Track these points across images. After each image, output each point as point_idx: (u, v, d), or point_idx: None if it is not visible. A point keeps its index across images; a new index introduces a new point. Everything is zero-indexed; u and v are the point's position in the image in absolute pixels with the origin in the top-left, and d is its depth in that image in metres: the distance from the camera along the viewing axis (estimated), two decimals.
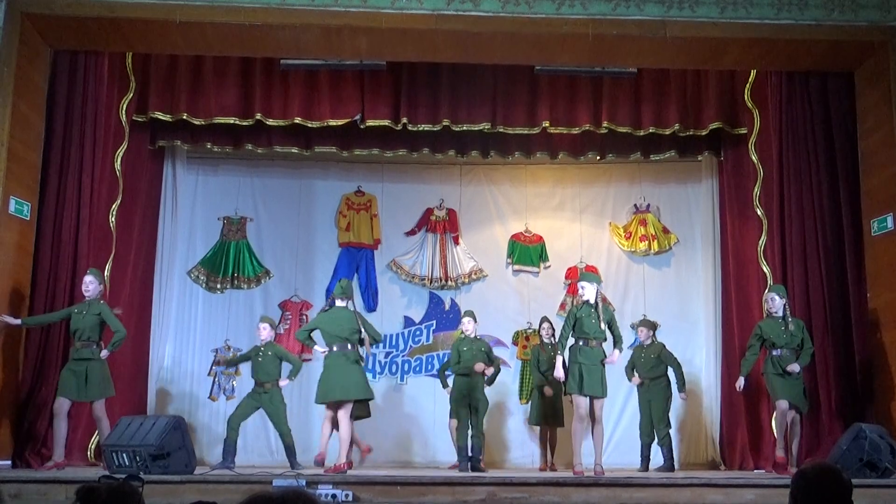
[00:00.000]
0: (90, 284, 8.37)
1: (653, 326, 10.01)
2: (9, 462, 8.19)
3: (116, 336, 8.35)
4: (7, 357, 8.29)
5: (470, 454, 9.08)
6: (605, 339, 8.25)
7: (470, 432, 9.13)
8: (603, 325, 8.14)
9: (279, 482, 6.69)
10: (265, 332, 9.10)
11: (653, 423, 9.47)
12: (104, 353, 8.30)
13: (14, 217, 8.35)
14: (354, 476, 7.12)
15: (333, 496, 6.45)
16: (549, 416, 9.75)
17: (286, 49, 9.11)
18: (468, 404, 9.18)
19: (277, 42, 8.85)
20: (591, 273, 9.87)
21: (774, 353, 8.47)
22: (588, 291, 8.25)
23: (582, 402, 8.09)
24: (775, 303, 8.59)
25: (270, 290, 11.21)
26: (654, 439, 9.49)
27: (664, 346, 9.81)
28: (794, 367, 8.35)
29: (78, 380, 8.13)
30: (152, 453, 7.17)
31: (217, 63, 9.75)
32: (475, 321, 9.58)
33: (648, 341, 9.79)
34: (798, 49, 8.83)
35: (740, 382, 8.74)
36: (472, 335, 9.47)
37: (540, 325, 10.12)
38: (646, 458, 9.52)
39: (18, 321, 8.18)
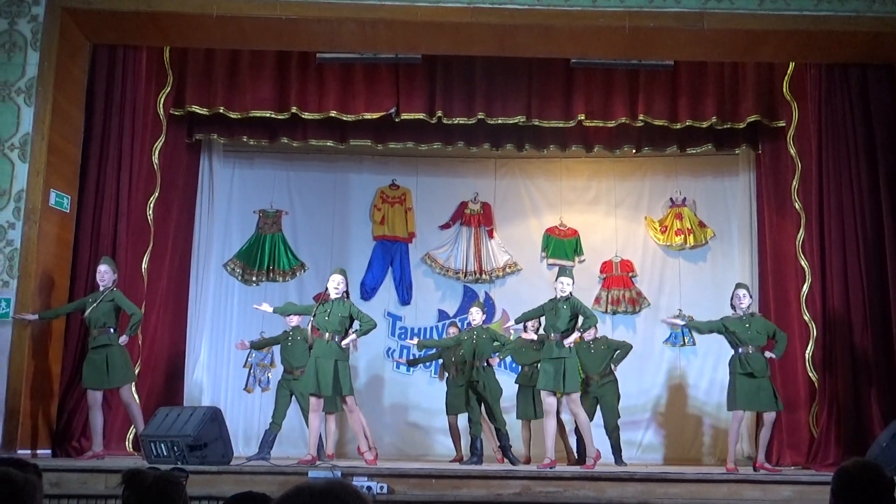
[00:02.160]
0: (105, 274, 8.34)
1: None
2: (49, 451, 8.31)
3: (133, 318, 8.29)
4: (48, 348, 8.40)
5: (501, 446, 9.11)
6: (569, 333, 8.13)
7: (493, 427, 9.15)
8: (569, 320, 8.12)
9: (315, 473, 6.73)
10: (294, 318, 9.17)
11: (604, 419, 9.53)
12: (123, 339, 8.25)
13: (54, 209, 8.46)
14: (389, 469, 7.14)
15: (368, 488, 6.48)
16: (530, 411, 9.67)
17: (322, 43, 9.15)
18: (478, 395, 9.07)
19: (313, 36, 8.89)
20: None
21: (740, 350, 8.25)
22: (568, 287, 8.18)
23: (545, 397, 8.15)
24: (745, 300, 8.42)
25: (305, 283, 11.27)
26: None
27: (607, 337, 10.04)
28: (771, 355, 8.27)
29: (99, 367, 8.12)
30: (190, 444, 7.24)
31: (253, 57, 9.80)
32: (483, 311, 9.50)
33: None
34: (838, 41, 8.72)
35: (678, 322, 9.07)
36: (479, 324, 9.34)
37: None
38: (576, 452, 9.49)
39: (35, 316, 8.11)
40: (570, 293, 8.20)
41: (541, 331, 9.39)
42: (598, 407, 9.51)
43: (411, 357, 10.72)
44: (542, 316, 8.59)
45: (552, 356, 8.04)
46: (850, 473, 3.09)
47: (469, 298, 11.19)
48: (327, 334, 7.98)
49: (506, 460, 9.07)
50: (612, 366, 9.68)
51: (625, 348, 9.78)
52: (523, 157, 11.32)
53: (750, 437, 10.23)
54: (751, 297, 8.52)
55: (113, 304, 8.28)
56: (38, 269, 8.18)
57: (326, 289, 8.28)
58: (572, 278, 8.32)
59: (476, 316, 9.33)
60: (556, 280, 8.35)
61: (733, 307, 8.45)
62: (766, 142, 10.31)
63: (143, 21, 8.61)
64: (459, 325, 10.57)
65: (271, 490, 6.37)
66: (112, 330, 8.26)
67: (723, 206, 11.32)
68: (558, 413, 9.51)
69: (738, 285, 8.62)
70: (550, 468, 7.60)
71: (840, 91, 9.28)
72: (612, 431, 9.47)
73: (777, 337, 8.40)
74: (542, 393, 8.18)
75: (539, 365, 8.34)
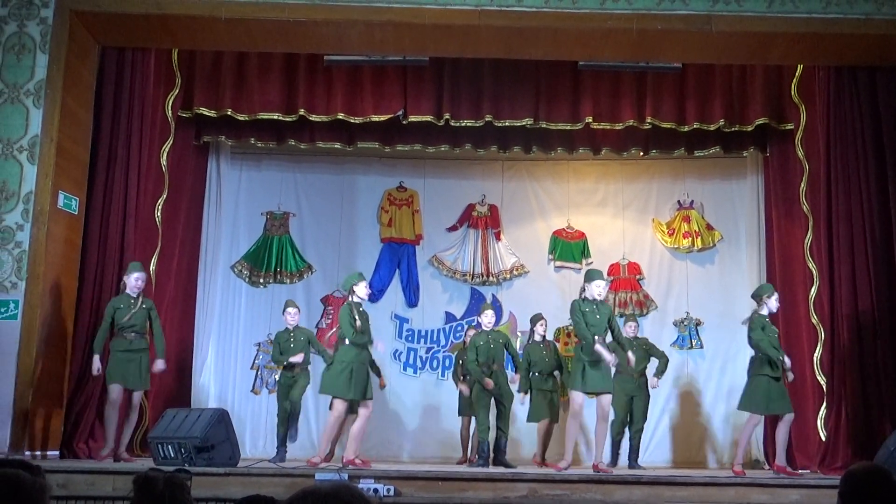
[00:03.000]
0: (142, 281, 8.56)
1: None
2: (57, 452, 8.33)
3: (160, 344, 8.55)
4: (56, 349, 8.42)
5: (496, 450, 9.08)
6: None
7: (496, 427, 9.10)
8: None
9: (322, 475, 6.74)
10: (296, 316, 9.39)
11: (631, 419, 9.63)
12: (160, 366, 8.48)
13: (63, 211, 8.48)
14: (396, 471, 7.14)
15: (375, 490, 6.48)
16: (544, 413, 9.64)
17: (330, 45, 9.15)
18: (492, 399, 9.06)
19: (321, 38, 8.90)
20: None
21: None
22: (605, 290, 8.25)
23: (577, 399, 8.02)
24: (776, 304, 8.49)
25: (312, 285, 11.29)
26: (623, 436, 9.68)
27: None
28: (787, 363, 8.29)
29: (139, 368, 8.32)
30: (197, 445, 7.25)
31: (261, 59, 9.82)
32: (494, 315, 9.47)
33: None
34: (846, 44, 8.70)
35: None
36: (490, 328, 9.31)
37: (535, 323, 9.82)
38: (615, 454, 9.65)
39: (97, 360, 8.24)
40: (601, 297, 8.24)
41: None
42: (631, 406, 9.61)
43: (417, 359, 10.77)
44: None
45: (596, 358, 7.94)
46: (858, 477, 3.09)
47: (476, 300, 11.20)
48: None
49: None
50: (657, 378, 9.82)
51: (664, 360, 9.85)
52: (531, 160, 11.32)
53: (756, 441, 10.22)
54: None
55: (147, 312, 8.47)
56: (46, 271, 8.20)
57: (353, 292, 8.40)
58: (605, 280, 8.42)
59: (489, 318, 9.31)
60: (590, 283, 8.20)
61: (768, 308, 8.45)
62: (774, 144, 10.29)
63: (152, 23, 8.63)
64: (477, 327, 10.56)
65: (278, 492, 6.40)
66: (143, 336, 8.48)
67: (730, 208, 11.30)
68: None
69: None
70: (561, 471, 7.60)
71: (848, 94, 9.27)
72: (637, 432, 9.62)
73: None
74: (574, 394, 8.03)
75: (576, 366, 8.14)
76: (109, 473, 6.79)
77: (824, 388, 9.05)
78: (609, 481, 6.95)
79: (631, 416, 9.67)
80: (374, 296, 11.19)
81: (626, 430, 9.73)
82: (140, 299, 8.44)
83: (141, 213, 9.29)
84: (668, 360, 9.96)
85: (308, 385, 9.34)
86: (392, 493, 6.57)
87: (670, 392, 10.93)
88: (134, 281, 8.46)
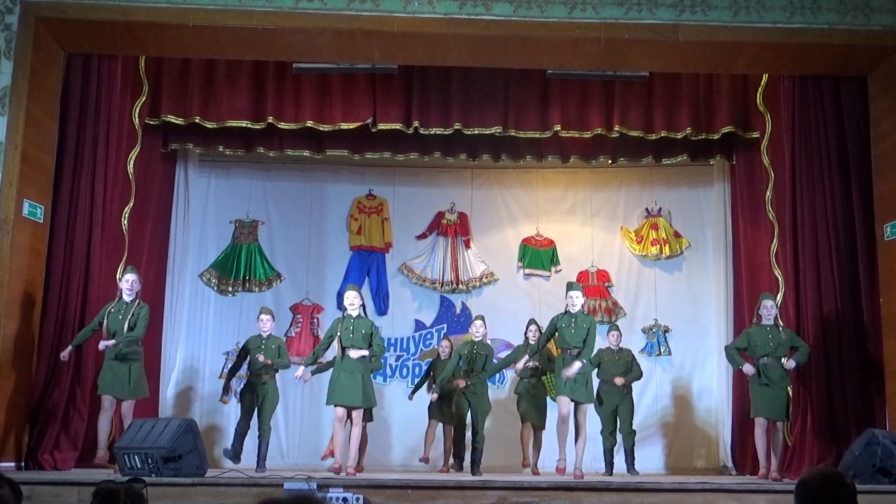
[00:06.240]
0: (133, 283, 8.52)
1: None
2: (21, 463, 8.22)
3: (133, 335, 8.36)
4: (20, 360, 8.30)
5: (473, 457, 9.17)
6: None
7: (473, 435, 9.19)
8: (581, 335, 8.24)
9: (290, 485, 6.69)
10: (266, 324, 9.28)
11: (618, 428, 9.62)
12: (104, 344, 8.29)
13: (27, 220, 8.38)
14: (365, 479, 7.13)
15: (344, 500, 6.45)
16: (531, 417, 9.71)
17: (299, 53, 9.14)
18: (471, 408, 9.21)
19: (290, 46, 8.88)
20: (578, 283, 9.92)
21: (761, 361, 8.41)
22: (578, 301, 8.36)
23: (564, 403, 8.21)
24: (769, 310, 8.59)
25: (282, 293, 11.25)
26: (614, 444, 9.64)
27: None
28: (790, 364, 8.38)
29: (120, 376, 8.27)
30: (164, 456, 7.17)
31: (229, 67, 9.78)
32: (485, 326, 9.53)
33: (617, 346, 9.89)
34: (811, 53, 8.80)
35: (748, 368, 8.46)
36: (481, 339, 9.41)
37: (527, 328, 9.90)
38: (610, 463, 9.57)
39: (70, 349, 8.31)
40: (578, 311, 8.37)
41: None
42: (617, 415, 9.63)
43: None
44: (554, 334, 8.58)
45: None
46: (811, 483, 3.12)
47: (446, 308, 11.21)
48: (352, 350, 8.14)
49: (451, 471, 9.26)
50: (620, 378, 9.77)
51: (637, 373, 9.82)
52: (500, 168, 11.35)
53: (724, 445, 10.31)
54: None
55: (135, 317, 8.40)
56: (10, 280, 8.09)
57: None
58: (581, 291, 8.56)
59: (479, 329, 9.37)
60: (566, 295, 8.44)
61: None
62: (740, 152, 10.40)
63: (119, 30, 8.55)
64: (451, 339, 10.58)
65: (245, 502, 6.35)
66: (136, 344, 8.42)
67: (698, 216, 11.40)
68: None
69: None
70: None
71: (813, 102, 9.36)
72: (629, 437, 9.66)
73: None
74: (565, 400, 8.23)
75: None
76: (74, 484, 6.71)
77: (790, 393, 9.12)
78: (578, 488, 6.96)
79: (619, 423, 9.62)
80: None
81: (616, 436, 9.66)
82: (134, 306, 8.43)
83: (107, 221, 9.19)
84: (641, 375, 9.93)
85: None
86: (361, 501, 6.53)
87: (639, 399, 10.95)
88: (124, 284, 8.50)
